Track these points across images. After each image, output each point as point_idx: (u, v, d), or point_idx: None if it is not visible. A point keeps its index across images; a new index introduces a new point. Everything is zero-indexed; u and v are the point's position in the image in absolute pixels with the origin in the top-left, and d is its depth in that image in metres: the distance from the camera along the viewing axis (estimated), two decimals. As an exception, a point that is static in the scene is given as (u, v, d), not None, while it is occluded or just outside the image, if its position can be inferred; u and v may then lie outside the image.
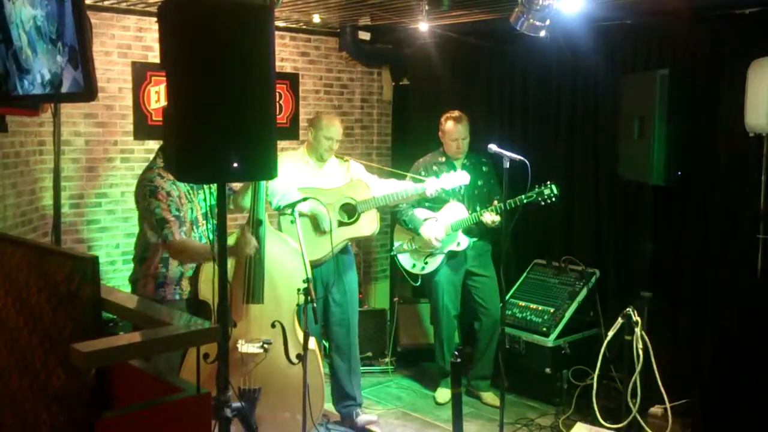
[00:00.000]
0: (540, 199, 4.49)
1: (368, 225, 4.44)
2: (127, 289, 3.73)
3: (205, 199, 3.61)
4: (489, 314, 4.93)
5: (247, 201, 3.71)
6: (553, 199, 4.49)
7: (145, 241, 3.54)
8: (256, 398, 3.64)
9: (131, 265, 3.71)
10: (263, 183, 3.69)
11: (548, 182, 4.48)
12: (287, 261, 3.72)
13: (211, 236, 3.58)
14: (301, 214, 4.17)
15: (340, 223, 4.37)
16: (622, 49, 4.86)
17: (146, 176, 3.48)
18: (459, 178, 4.49)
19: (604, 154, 4.98)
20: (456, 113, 4.87)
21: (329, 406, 4.80)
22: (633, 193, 4.69)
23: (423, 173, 4.86)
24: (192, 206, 3.55)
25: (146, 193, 3.42)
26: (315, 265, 4.22)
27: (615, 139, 4.68)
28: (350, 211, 4.41)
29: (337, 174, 4.52)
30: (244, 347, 3.57)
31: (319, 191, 4.29)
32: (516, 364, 4.80)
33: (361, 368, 5.35)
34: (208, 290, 3.54)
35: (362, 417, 4.53)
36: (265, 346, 3.59)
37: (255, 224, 3.62)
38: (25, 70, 2.79)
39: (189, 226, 3.52)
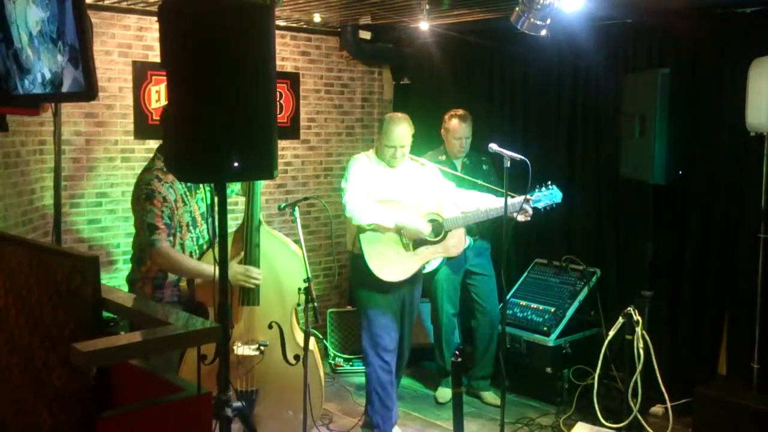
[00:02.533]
0: (546, 206, 4.39)
1: (456, 244, 4.14)
2: (127, 288, 3.73)
3: (203, 199, 3.58)
4: (486, 313, 4.93)
5: (238, 186, 3.67)
6: (554, 206, 4.41)
7: (142, 243, 3.51)
8: (253, 400, 3.63)
9: (130, 265, 3.70)
10: (259, 184, 3.67)
11: (549, 182, 4.44)
12: (284, 262, 3.70)
13: (207, 237, 3.58)
14: (385, 230, 3.97)
15: (425, 242, 4.07)
16: (623, 48, 4.86)
17: (144, 178, 3.43)
18: (553, 196, 4.22)
19: (604, 154, 4.98)
20: (461, 111, 4.86)
21: (330, 406, 4.81)
22: (634, 192, 4.69)
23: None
24: (189, 208, 3.52)
25: (142, 196, 3.37)
26: (394, 285, 4.04)
27: (616, 139, 4.69)
28: (436, 229, 4.09)
29: (414, 179, 4.19)
30: (240, 349, 3.55)
31: (400, 205, 4.03)
32: (517, 364, 4.80)
33: (361, 368, 5.37)
34: (204, 293, 3.53)
35: (395, 430, 4.41)
36: (262, 348, 3.58)
37: (249, 239, 3.57)
38: (25, 69, 2.78)
39: (184, 230, 3.49)
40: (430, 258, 4.12)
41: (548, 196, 4.22)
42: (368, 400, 4.31)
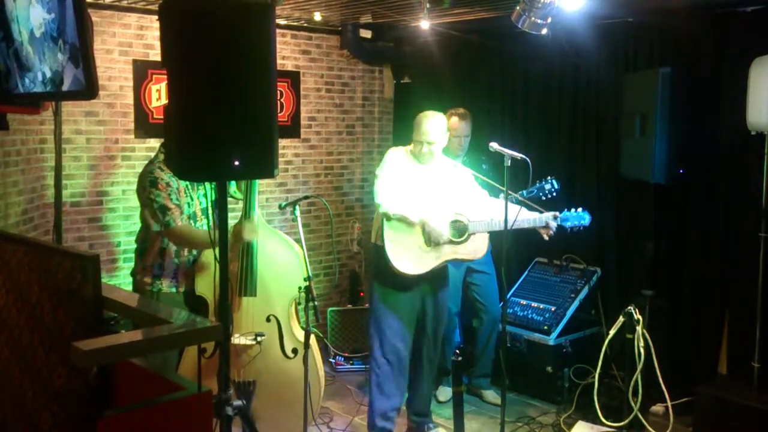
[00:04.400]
0: (540, 194, 4.47)
1: (477, 249, 4.06)
2: (129, 286, 3.75)
3: (205, 195, 3.64)
4: (487, 312, 4.93)
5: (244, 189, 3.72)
6: (554, 193, 4.47)
7: (145, 233, 3.59)
8: (251, 391, 3.66)
9: (132, 264, 3.74)
10: (257, 182, 3.70)
11: (548, 177, 4.47)
12: (281, 256, 3.73)
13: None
14: (410, 223, 3.93)
15: (448, 241, 4.00)
16: (623, 47, 4.85)
17: (147, 169, 3.57)
18: (581, 218, 4.12)
19: (605, 153, 4.98)
20: (461, 110, 4.85)
21: (331, 404, 4.81)
22: (634, 191, 4.69)
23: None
24: (190, 201, 3.58)
25: (147, 183, 3.50)
26: (414, 278, 4.00)
27: (617, 138, 4.68)
28: (460, 230, 4.01)
29: (446, 178, 4.14)
30: (237, 339, 3.59)
31: (429, 202, 3.98)
32: (517, 363, 4.80)
33: (362, 367, 5.38)
34: (204, 284, 3.58)
35: (435, 431, 4.38)
36: (258, 338, 3.62)
37: (249, 212, 3.63)
38: (26, 68, 2.78)
39: (186, 219, 3.55)
40: (450, 258, 4.03)
41: (576, 217, 4.12)
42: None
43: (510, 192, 4.23)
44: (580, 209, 4.15)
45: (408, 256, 3.95)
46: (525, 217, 4.07)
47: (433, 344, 4.27)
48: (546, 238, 4.11)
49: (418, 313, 4.17)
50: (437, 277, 4.13)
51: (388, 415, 4.20)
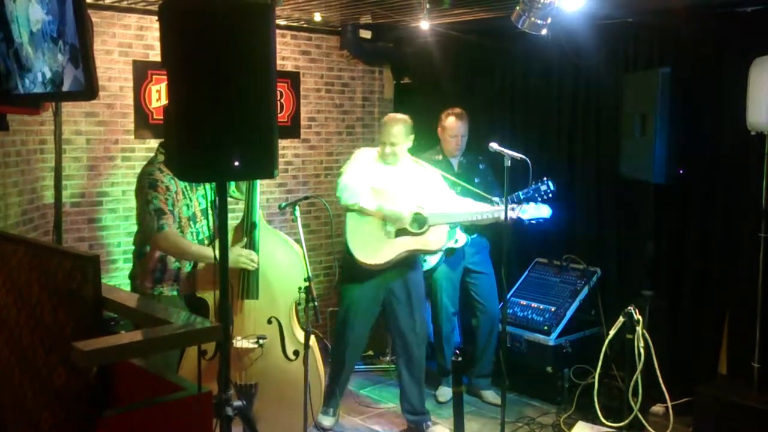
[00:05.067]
0: (537, 194, 4.49)
1: (436, 240, 4.22)
2: (128, 287, 3.74)
3: (204, 196, 3.62)
4: (486, 311, 4.93)
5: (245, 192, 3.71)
6: (550, 195, 4.48)
7: (143, 236, 3.56)
8: (252, 394, 3.65)
9: (131, 265, 3.72)
10: (258, 183, 3.69)
11: (545, 178, 4.48)
12: (283, 258, 3.72)
13: (207, 233, 3.62)
14: (366, 213, 4.09)
15: (406, 232, 4.16)
16: (623, 48, 4.86)
17: (146, 170, 3.53)
18: (541, 211, 4.27)
19: (605, 153, 4.98)
20: (457, 110, 4.86)
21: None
22: (634, 191, 4.69)
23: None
24: (189, 203, 3.56)
25: (145, 184, 3.46)
26: (374, 270, 4.14)
27: (616, 138, 4.69)
28: (420, 222, 4.17)
29: (412, 177, 4.30)
30: (239, 342, 3.58)
31: (389, 194, 4.15)
32: (517, 363, 4.80)
33: (362, 367, 5.38)
34: (205, 287, 3.57)
35: (434, 429, 4.41)
36: (260, 341, 3.61)
37: (249, 230, 3.62)
38: (26, 68, 2.78)
39: (185, 222, 3.53)
40: (409, 248, 4.17)
41: (536, 209, 4.25)
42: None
43: (482, 195, 4.36)
44: (540, 202, 4.28)
45: (367, 246, 4.09)
46: (480, 209, 4.26)
47: (412, 332, 4.32)
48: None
49: (384, 301, 4.30)
50: (403, 263, 4.24)
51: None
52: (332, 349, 4.47)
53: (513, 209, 4.18)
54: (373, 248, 4.09)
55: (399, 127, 4.20)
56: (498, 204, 4.37)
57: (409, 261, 4.28)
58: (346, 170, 4.23)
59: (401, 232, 4.16)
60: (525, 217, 4.21)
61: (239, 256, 3.55)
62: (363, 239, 4.09)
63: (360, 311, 4.31)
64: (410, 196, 4.20)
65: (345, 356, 4.40)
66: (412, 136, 4.28)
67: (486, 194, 4.59)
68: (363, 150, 4.38)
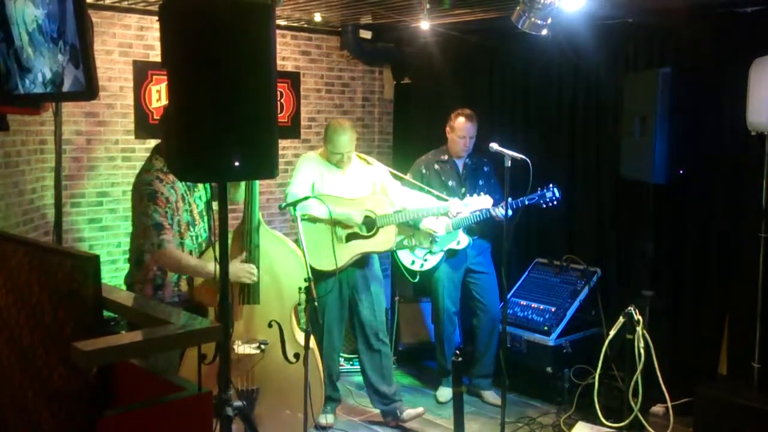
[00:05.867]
0: (542, 201, 4.50)
1: (385, 241, 4.38)
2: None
3: (201, 197, 3.59)
4: (487, 311, 4.93)
5: (240, 194, 3.67)
6: (555, 202, 4.50)
7: (141, 245, 3.48)
8: (254, 399, 3.64)
9: (128, 266, 3.68)
10: (257, 183, 3.66)
11: (550, 185, 4.48)
12: (283, 261, 3.70)
13: (205, 235, 3.58)
14: (316, 220, 4.18)
15: (357, 236, 4.31)
16: (623, 48, 4.86)
17: (144, 179, 3.39)
18: (482, 202, 4.46)
19: (605, 153, 4.98)
20: (468, 111, 4.85)
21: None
22: (634, 191, 4.69)
23: (424, 171, 4.87)
24: (189, 207, 3.52)
25: (145, 196, 3.34)
26: (330, 274, 4.22)
27: (616, 138, 4.68)
28: (369, 224, 4.32)
29: (361, 179, 4.41)
30: (241, 348, 3.56)
31: (340, 200, 4.25)
32: (517, 363, 4.80)
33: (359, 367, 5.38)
34: (202, 293, 3.52)
35: (408, 411, 4.51)
36: (262, 346, 3.59)
37: (249, 237, 3.58)
38: (26, 68, 2.78)
39: (184, 228, 3.48)
40: (361, 251, 4.31)
41: (478, 201, 4.48)
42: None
43: (446, 197, 4.41)
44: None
45: (321, 253, 4.15)
46: (426, 206, 4.44)
47: (373, 322, 4.44)
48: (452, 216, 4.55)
49: (349, 298, 4.43)
50: (359, 264, 4.38)
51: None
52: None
53: (457, 203, 4.43)
54: (326, 254, 4.15)
55: (348, 136, 4.28)
56: (447, 200, 4.55)
57: (365, 258, 4.41)
58: (294, 179, 4.30)
59: (351, 236, 4.29)
60: (469, 210, 4.45)
61: (239, 270, 3.48)
62: (316, 246, 4.14)
63: (332, 313, 4.40)
64: (360, 198, 4.33)
65: (324, 358, 4.37)
66: (356, 140, 4.44)
67: (487, 195, 4.61)
68: (307, 156, 4.43)
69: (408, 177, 4.78)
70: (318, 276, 4.20)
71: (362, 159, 4.48)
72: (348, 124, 4.38)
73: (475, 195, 4.49)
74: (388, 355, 4.53)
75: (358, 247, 4.32)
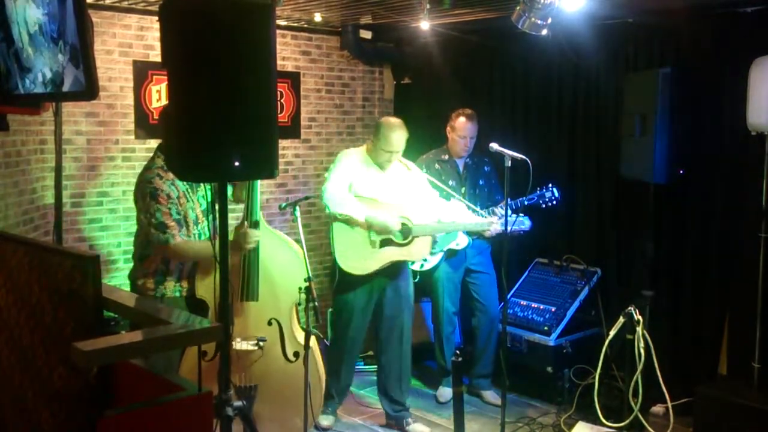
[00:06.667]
0: (541, 201, 4.51)
1: (419, 251, 4.24)
2: (129, 287, 3.74)
3: (204, 196, 3.61)
4: (486, 311, 4.93)
5: (245, 194, 3.69)
6: (554, 202, 4.52)
7: (145, 239, 3.54)
8: (252, 396, 3.65)
9: (132, 263, 3.71)
10: (258, 182, 3.67)
11: (549, 185, 4.48)
12: (283, 258, 3.72)
13: (209, 233, 3.60)
14: (350, 222, 4.08)
15: (391, 243, 4.17)
16: (623, 48, 4.86)
17: (145, 176, 3.45)
18: (521, 223, 4.36)
19: (605, 153, 4.98)
20: (469, 111, 4.85)
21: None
22: (634, 191, 4.69)
23: (425, 170, 4.86)
24: (192, 205, 3.54)
25: (146, 194, 3.40)
26: (360, 278, 4.16)
27: (617, 138, 4.69)
28: (405, 232, 4.17)
29: (400, 182, 4.29)
30: (239, 345, 3.58)
31: (377, 204, 4.15)
32: (517, 363, 4.80)
33: (362, 367, 5.37)
34: (204, 288, 3.56)
35: (414, 426, 4.44)
36: (260, 343, 3.61)
37: (251, 219, 3.61)
38: (26, 68, 2.78)
39: (190, 225, 3.51)
40: (393, 259, 4.18)
41: (517, 222, 4.34)
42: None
43: (489, 203, 4.37)
44: (521, 214, 4.37)
45: (352, 256, 4.10)
46: (466, 221, 4.29)
47: (398, 327, 4.36)
48: (489, 235, 4.51)
49: (376, 302, 4.32)
50: (393, 269, 4.26)
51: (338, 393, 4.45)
52: (329, 353, 4.46)
53: (491, 224, 4.30)
54: (359, 258, 4.10)
55: (402, 135, 4.16)
56: (485, 216, 4.48)
57: (399, 265, 4.29)
58: (332, 176, 4.19)
59: (386, 242, 4.17)
60: (508, 230, 4.18)
61: (240, 236, 3.51)
62: (349, 249, 4.10)
63: (355, 315, 4.32)
64: (398, 203, 4.20)
65: (343, 360, 4.41)
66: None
67: (488, 197, 4.61)
68: (348, 153, 4.32)
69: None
70: (345, 278, 4.18)
71: (403, 163, 4.39)
72: (401, 122, 4.24)
73: (514, 216, 4.29)
74: (408, 359, 4.45)
75: (392, 255, 4.18)
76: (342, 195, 4.10)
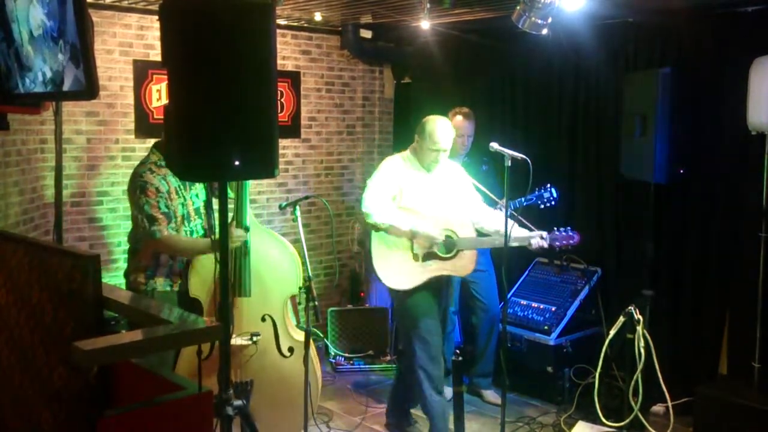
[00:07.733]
0: (539, 201, 4.49)
1: (464, 265, 4.00)
2: (125, 282, 3.76)
3: (198, 195, 3.64)
4: (486, 310, 4.92)
5: (234, 194, 3.72)
6: (553, 202, 4.50)
7: (137, 233, 3.59)
8: (248, 391, 3.66)
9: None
10: (248, 185, 3.68)
11: (548, 185, 4.48)
12: (274, 255, 3.73)
13: (202, 232, 3.64)
14: (395, 233, 3.86)
15: (435, 256, 3.94)
16: (623, 48, 4.85)
17: (138, 171, 3.56)
18: (570, 238, 3.94)
19: (605, 153, 4.98)
20: (465, 109, 4.84)
21: (330, 405, 4.81)
22: (635, 191, 4.69)
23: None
24: (184, 201, 3.58)
25: (137, 188, 3.49)
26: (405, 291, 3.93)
27: (617, 138, 4.68)
28: (449, 246, 3.94)
29: (448, 181, 4.09)
30: (233, 340, 3.59)
31: (419, 214, 3.91)
32: (518, 363, 4.79)
33: (362, 367, 5.38)
34: (197, 286, 3.58)
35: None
36: (254, 338, 3.63)
37: (240, 221, 3.63)
38: (26, 68, 2.79)
39: (180, 221, 3.55)
40: (438, 273, 3.96)
41: (564, 237, 3.99)
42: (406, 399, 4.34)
43: (492, 201, 4.27)
44: (569, 228, 4.03)
45: (394, 272, 3.91)
46: (515, 235, 3.93)
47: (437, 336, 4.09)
48: (535, 248, 4.01)
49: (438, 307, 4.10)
50: (437, 285, 4.05)
51: (439, 389, 4.07)
52: (408, 370, 4.15)
53: (543, 238, 3.93)
54: (401, 273, 3.90)
55: (450, 132, 3.95)
56: (533, 230, 4.09)
57: (443, 280, 4.08)
58: (372, 183, 3.97)
59: (429, 255, 3.94)
60: (556, 245, 3.97)
61: (233, 236, 3.52)
62: (391, 264, 3.90)
63: (431, 321, 4.03)
64: (443, 215, 3.97)
65: (429, 372, 4.03)
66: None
67: (486, 197, 4.57)
68: (390, 159, 4.10)
69: None
70: (398, 295, 4.00)
71: (448, 164, 4.17)
72: (444, 119, 4.03)
73: (561, 229, 3.97)
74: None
75: (436, 269, 3.94)
76: (384, 203, 3.89)
